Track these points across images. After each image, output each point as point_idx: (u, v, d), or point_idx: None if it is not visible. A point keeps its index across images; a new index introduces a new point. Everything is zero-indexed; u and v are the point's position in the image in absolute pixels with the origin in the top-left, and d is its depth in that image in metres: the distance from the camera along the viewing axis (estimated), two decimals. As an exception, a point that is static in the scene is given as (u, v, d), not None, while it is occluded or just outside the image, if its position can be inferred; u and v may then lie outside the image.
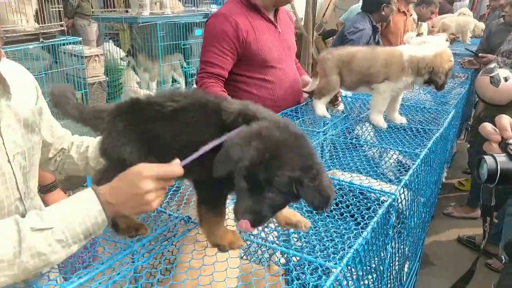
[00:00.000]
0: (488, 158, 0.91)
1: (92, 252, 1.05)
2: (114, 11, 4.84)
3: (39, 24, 3.18)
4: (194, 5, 4.93)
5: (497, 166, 0.90)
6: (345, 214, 1.35)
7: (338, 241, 1.19)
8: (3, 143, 1.06)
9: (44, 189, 1.86)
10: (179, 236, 1.08)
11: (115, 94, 4.82)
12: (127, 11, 4.43)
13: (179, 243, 1.05)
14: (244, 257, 1.44)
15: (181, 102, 1.01)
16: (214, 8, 4.77)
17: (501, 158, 0.92)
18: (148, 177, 0.92)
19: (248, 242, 1.31)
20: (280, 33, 2.21)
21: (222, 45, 2.08)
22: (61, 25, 3.28)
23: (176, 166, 0.94)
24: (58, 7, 3.26)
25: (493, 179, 0.90)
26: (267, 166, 0.86)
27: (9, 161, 1.07)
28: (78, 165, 1.33)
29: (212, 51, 2.09)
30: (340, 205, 1.40)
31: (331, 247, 1.17)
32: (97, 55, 4.45)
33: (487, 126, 0.99)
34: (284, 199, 0.91)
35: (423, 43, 3.30)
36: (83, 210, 0.89)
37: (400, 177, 1.58)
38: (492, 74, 3.06)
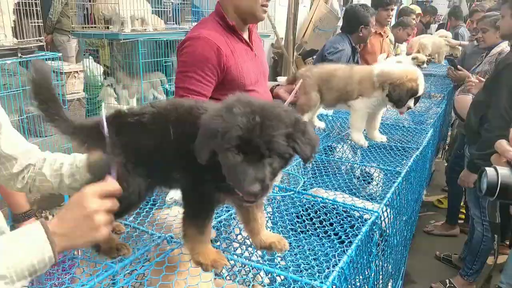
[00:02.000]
0: (489, 170, 0.87)
1: (71, 274, 1.00)
2: (94, 27, 4.80)
3: (17, 39, 3.12)
4: (176, 23, 4.95)
5: (498, 178, 0.86)
6: (329, 232, 1.35)
7: (323, 260, 1.18)
8: None
9: (19, 218, 1.79)
10: (162, 257, 1.05)
11: (94, 111, 4.75)
12: (107, 28, 4.40)
13: (162, 264, 1.02)
14: (228, 277, 1.42)
15: (157, 107, 1.00)
16: (196, 27, 4.80)
17: (503, 170, 0.88)
18: (91, 194, 0.90)
19: (232, 262, 1.28)
20: (256, 55, 2.18)
21: (204, 71, 1.97)
22: (40, 40, 3.22)
23: (111, 180, 0.93)
24: (37, 22, 3.21)
25: (493, 192, 0.87)
26: (262, 129, 0.80)
27: None
28: (51, 182, 1.26)
29: (193, 77, 1.97)
30: (324, 223, 1.40)
31: (316, 266, 1.16)
32: (77, 72, 4.39)
33: (503, 143, 0.94)
34: (283, 162, 0.86)
35: (398, 63, 3.41)
36: (29, 246, 0.85)
37: (383, 195, 1.59)
38: (471, 94, 3.16)
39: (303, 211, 1.50)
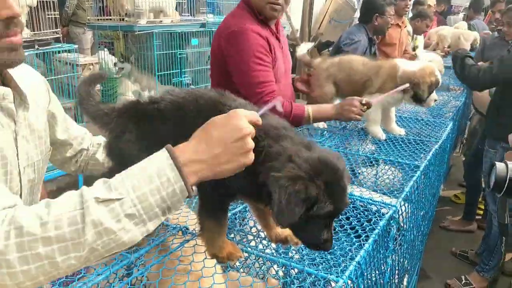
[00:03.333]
0: (499, 165, 0.86)
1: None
2: (109, 19, 4.82)
3: (33, 31, 3.14)
4: (191, 15, 4.93)
5: (507, 174, 0.85)
6: (345, 226, 1.33)
7: (339, 254, 1.16)
8: (17, 155, 1.02)
9: None
10: (177, 248, 1.05)
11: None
12: (123, 20, 4.41)
13: (177, 255, 1.01)
14: (242, 270, 1.40)
15: (176, 95, 0.98)
16: (211, 18, 4.78)
17: None
18: (246, 117, 0.80)
19: (246, 255, 1.27)
20: (283, 48, 2.16)
21: (264, 61, 1.93)
22: (57, 32, 3.24)
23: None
24: (54, 14, 3.23)
25: (501, 188, 0.85)
26: (344, 195, 0.83)
27: (19, 174, 1.03)
28: (104, 166, 1.33)
29: (260, 69, 1.91)
30: (340, 217, 1.37)
31: (332, 260, 1.14)
32: (92, 64, 4.42)
33: None
34: None
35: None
36: (156, 179, 0.72)
37: (401, 189, 1.56)
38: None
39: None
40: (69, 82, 3.64)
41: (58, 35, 3.26)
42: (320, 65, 2.23)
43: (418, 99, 2.04)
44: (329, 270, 1.07)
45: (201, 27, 4.57)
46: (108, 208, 0.68)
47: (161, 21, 4.29)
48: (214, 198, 0.95)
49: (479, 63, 3.13)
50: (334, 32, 7.53)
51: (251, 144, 0.80)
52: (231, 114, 0.81)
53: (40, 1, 3.11)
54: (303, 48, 2.30)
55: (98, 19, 4.65)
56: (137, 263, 0.96)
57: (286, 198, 0.76)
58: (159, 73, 4.12)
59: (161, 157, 0.75)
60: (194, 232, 1.13)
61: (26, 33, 3.14)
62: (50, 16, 3.21)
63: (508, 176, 0.84)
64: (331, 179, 0.80)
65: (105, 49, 4.70)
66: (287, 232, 1.11)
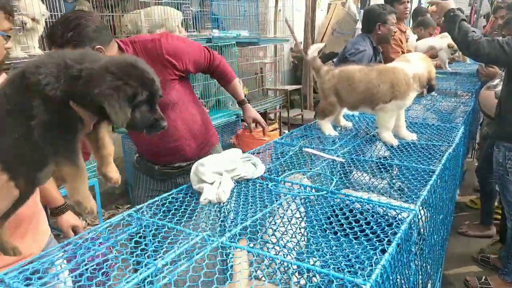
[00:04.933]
0: None
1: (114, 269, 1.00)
2: (115, 37, 4.90)
3: (44, 50, 3.20)
4: (196, 30, 5.00)
5: None
6: (366, 231, 1.32)
7: (363, 258, 1.15)
8: None
9: (55, 212, 1.83)
10: (202, 255, 1.04)
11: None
12: (128, 37, 4.47)
13: (203, 261, 1.01)
14: (263, 278, 1.39)
15: None
16: (216, 33, 4.84)
17: None
18: None
19: (266, 261, 1.26)
20: None
21: None
22: (67, 50, 3.30)
23: None
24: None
25: None
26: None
27: None
28: None
29: None
30: (360, 222, 1.37)
31: (357, 264, 1.13)
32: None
33: None
34: None
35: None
36: None
37: (418, 193, 1.55)
38: (497, 89, 3.09)
39: (337, 210, 1.47)
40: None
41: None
42: (324, 76, 2.22)
43: (430, 90, 2.23)
44: (354, 274, 1.06)
45: (207, 42, 4.62)
46: None
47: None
48: (62, 140, 1.00)
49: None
50: (337, 43, 7.59)
51: None
52: None
53: (50, 21, 3.17)
54: (314, 50, 2.30)
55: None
56: (163, 269, 0.96)
57: (115, 104, 0.94)
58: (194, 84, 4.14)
59: None
60: (215, 239, 1.12)
61: (38, 53, 3.19)
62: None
63: None
64: (139, 74, 1.00)
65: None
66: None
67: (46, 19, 3.12)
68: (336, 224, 1.38)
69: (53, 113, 0.96)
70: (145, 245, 1.14)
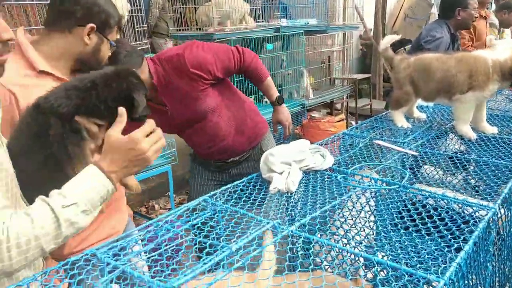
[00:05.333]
0: None
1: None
2: (187, 29, 5.09)
3: (130, 42, 3.42)
4: (265, 20, 5.03)
5: None
6: (440, 227, 1.28)
7: (437, 254, 1.12)
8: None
9: None
10: (273, 241, 1.09)
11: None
12: (199, 29, 4.62)
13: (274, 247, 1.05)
14: (329, 269, 1.41)
15: None
16: (284, 22, 4.83)
17: None
18: (141, 137, 1.11)
19: (333, 253, 1.28)
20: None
21: None
22: (146, 43, 3.51)
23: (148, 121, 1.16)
24: (142, 26, 3.50)
25: None
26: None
27: (17, 185, 1.12)
28: None
29: None
30: (434, 218, 1.32)
31: (430, 260, 1.11)
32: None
33: None
34: None
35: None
36: (95, 184, 1.06)
37: (499, 191, 1.47)
38: None
39: (409, 205, 1.43)
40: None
41: (147, 46, 3.52)
42: (399, 65, 2.15)
43: None
44: (427, 270, 1.04)
45: (275, 32, 4.64)
46: (69, 209, 1.02)
47: (237, 28, 4.42)
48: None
49: None
50: (409, 30, 7.24)
51: (152, 155, 1.14)
52: (127, 140, 1.12)
53: (129, 15, 3.37)
54: (387, 42, 2.23)
55: (178, 30, 4.93)
56: (237, 253, 1.01)
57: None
58: (237, 79, 4.23)
59: (92, 170, 1.09)
60: (285, 228, 1.16)
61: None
62: (138, 29, 3.47)
63: None
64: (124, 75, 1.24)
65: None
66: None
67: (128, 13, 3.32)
68: (407, 219, 1.35)
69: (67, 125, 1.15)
70: (219, 229, 1.20)
